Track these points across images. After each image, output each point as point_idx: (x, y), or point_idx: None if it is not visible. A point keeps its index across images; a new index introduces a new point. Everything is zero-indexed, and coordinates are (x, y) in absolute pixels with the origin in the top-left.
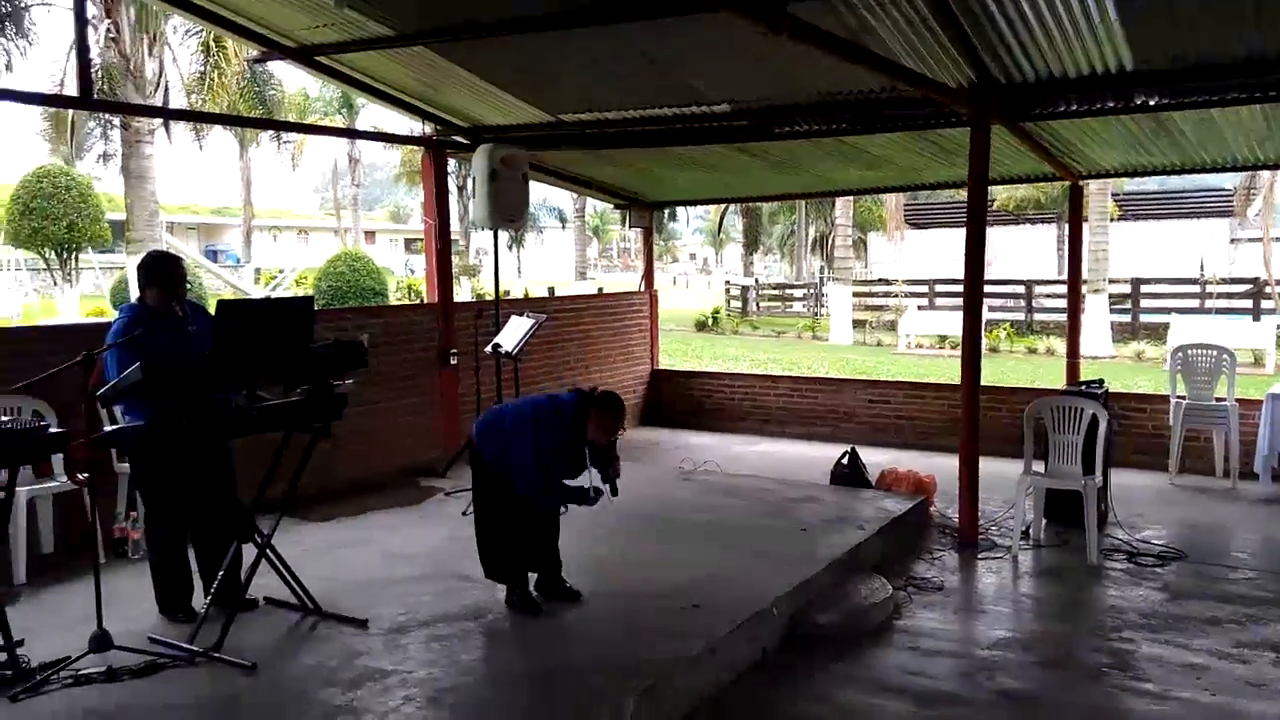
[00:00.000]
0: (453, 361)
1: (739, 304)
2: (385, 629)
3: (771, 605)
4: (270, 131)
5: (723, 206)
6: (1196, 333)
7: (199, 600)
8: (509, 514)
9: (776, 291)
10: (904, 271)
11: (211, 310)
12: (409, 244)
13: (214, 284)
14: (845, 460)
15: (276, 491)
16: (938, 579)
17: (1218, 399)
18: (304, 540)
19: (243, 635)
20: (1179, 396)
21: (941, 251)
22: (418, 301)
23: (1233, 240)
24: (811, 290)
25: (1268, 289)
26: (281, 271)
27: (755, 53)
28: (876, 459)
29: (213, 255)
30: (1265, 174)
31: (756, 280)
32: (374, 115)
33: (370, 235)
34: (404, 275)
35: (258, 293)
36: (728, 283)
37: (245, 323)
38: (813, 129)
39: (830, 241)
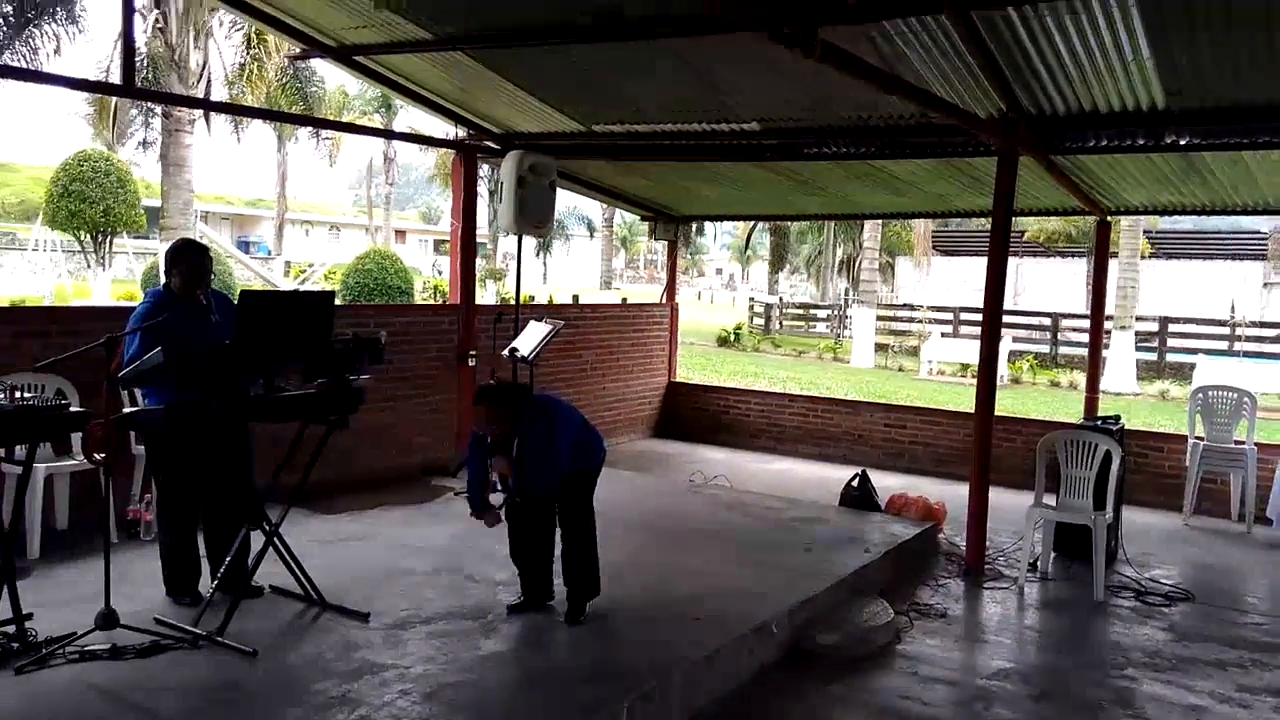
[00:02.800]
0: (471, 363)
1: (762, 321)
2: (387, 624)
3: (773, 621)
4: (309, 128)
5: (751, 224)
6: (1223, 374)
7: (206, 584)
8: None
9: (800, 311)
10: (930, 298)
11: (235, 301)
12: (438, 245)
13: (244, 275)
14: (856, 482)
15: (290, 481)
16: (941, 606)
17: (1237, 442)
18: (313, 531)
19: (246, 621)
20: (1197, 437)
21: (968, 280)
22: (442, 302)
23: (1266, 284)
24: (836, 311)
25: None
26: (311, 265)
27: (788, 74)
28: (888, 483)
29: (245, 246)
30: None
31: (781, 299)
32: (411, 116)
33: (401, 234)
34: (431, 275)
35: (286, 285)
36: (752, 299)
37: (267, 314)
38: (841, 151)
39: (857, 264)
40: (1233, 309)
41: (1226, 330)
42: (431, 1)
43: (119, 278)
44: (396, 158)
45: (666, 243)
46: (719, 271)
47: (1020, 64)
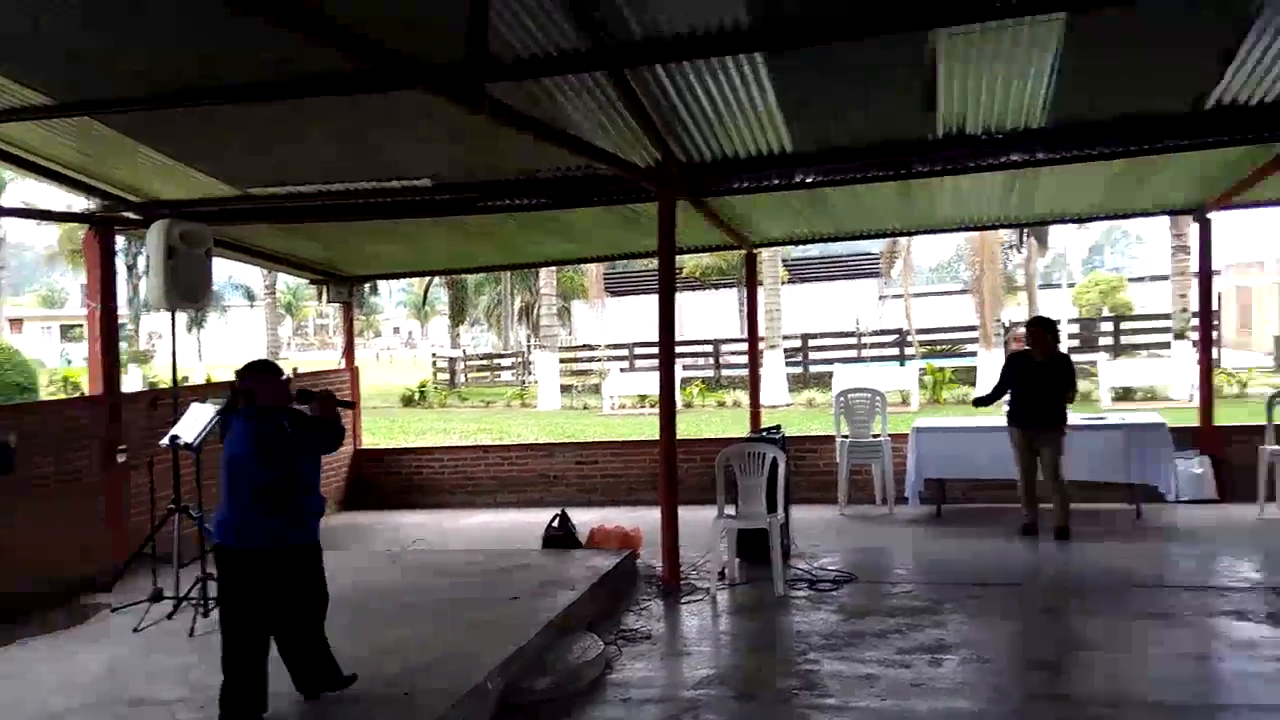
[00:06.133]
0: (121, 459)
1: (446, 376)
2: None
3: (486, 679)
4: None
5: (427, 279)
6: (855, 379)
7: None
8: (259, 616)
9: (484, 362)
10: (606, 336)
11: None
12: (65, 330)
13: None
14: (556, 523)
15: None
16: (646, 628)
17: (874, 435)
18: None
19: None
20: (843, 435)
21: (639, 316)
22: (77, 395)
23: (880, 297)
24: (519, 359)
25: (909, 338)
26: None
27: (456, 129)
28: (586, 518)
29: None
30: (904, 239)
31: (464, 351)
32: (23, 189)
33: (17, 323)
34: (60, 365)
35: None
36: (434, 355)
37: None
38: (514, 204)
39: (536, 310)
40: (857, 322)
41: (854, 340)
42: (50, 66)
43: None
44: (7, 237)
45: (341, 305)
46: (396, 330)
47: (670, 117)
